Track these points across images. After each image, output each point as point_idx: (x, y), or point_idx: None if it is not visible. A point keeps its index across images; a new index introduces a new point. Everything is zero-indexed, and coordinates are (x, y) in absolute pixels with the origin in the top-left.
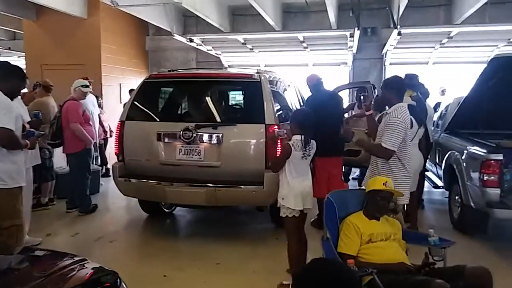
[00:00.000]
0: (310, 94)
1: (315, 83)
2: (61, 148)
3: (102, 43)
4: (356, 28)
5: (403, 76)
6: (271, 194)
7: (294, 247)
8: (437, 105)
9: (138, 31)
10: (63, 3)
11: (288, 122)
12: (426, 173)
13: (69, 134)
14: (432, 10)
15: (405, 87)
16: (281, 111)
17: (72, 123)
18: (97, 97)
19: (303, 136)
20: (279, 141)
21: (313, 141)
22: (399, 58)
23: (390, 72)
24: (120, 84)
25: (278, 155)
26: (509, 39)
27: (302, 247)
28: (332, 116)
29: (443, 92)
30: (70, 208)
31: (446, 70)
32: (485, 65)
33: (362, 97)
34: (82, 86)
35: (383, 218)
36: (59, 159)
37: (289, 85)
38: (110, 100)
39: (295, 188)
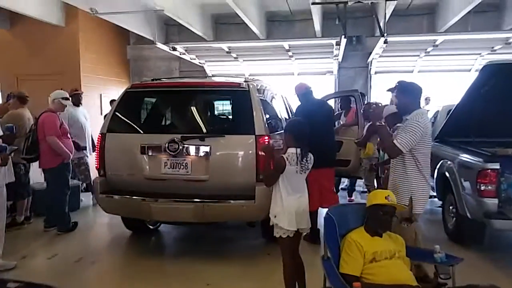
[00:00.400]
0: (299, 103)
1: (304, 92)
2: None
3: (81, 52)
4: (343, 36)
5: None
6: (263, 208)
7: (290, 269)
8: None
9: (119, 39)
10: (39, 11)
11: (277, 132)
12: None
13: (45, 148)
14: (416, 19)
15: (421, 93)
16: (270, 121)
17: (48, 136)
18: None
19: (299, 149)
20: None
21: (310, 154)
22: (385, 66)
23: (375, 80)
24: (100, 95)
25: (271, 168)
26: (493, 47)
27: (299, 269)
28: (323, 125)
29: (427, 101)
30: (48, 227)
31: (431, 78)
32: (470, 73)
33: (371, 109)
34: (63, 98)
35: (386, 234)
36: (37, 174)
37: (276, 94)
38: (91, 112)
39: (289, 206)
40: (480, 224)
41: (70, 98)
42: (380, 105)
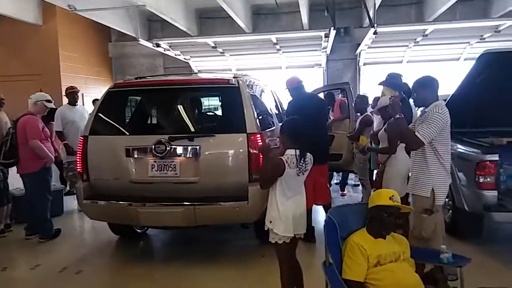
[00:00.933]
0: (290, 98)
1: (296, 86)
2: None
3: (61, 51)
4: (332, 28)
5: (387, 76)
6: (257, 209)
7: (287, 274)
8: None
9: (100, 37)
10: (14, 9)
11: (269, 129)
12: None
13: (27, 152)
14: (404, 9)
15: (439, 85)
16: (262, 118)
17: (31, 139)
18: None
19: (297, 151)
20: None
21: (309, 155)
22: (373, 58)
23: (364, 72)
24: (82, 94)
25: (268, 171)
26: (482, 36)
27: (296, 275)
28: (316, 120)
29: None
30: (30, 235)
31: (420, 68)
32: (459, 62)
33: (390, 101)
34: (46, 101)
35: (389, 235)
36: (17, 180)
37: (265, 89)
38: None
39: (286, 211)
40: (478, 217)
41: (66, 97)
42: (394, 97)
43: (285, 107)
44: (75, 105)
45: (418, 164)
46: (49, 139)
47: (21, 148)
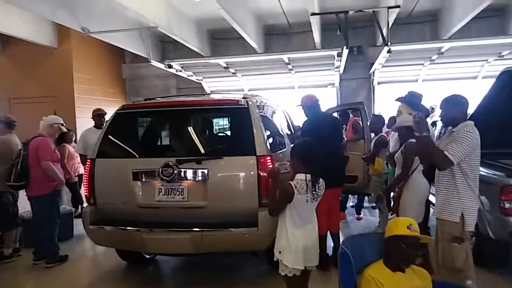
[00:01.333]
0: (305, 117)
1: (311, 104)
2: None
3: (75, 72)
4: (345, 47)
5: (407, 93)
6: (267, 236)
7: None
8: (434, 124)
9: (114, 58)
10: (31, 33)
11: (280, 151)
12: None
13: (39, 174)
14: (418, 27)
15: (468, 105)
16: (272, 139)
17: (43, 161)
18: (69, 131)
19: (309, 175)
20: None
21: (322, 180)
22: (388, 76)
23: (379, 91)
24: None
25: (276, 197)
26: (500, 53)
27: None
28: (333, 142)
29: (433, 111)
30: (37, 260)
31: (436, 87)
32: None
33: (416, 118)
34: (62, 124)
35: (409, 268)
36: (27, 202)
37: (277, 109)
38: None
39: (296, 242)
40: (504, 245)
41: (93, 119)
42: (419, 115)
43: (297, 125)
44: (100, 128)
45: (446, 187)
46: (59, 161)
47: (32, 170)
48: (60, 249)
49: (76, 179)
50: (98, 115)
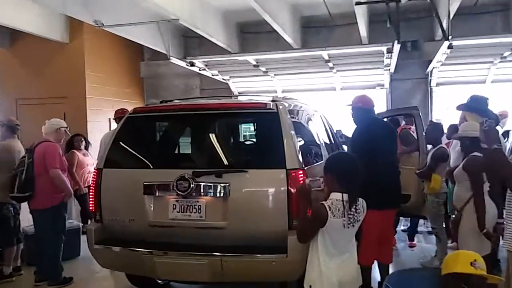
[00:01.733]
0: (355, 124)
1: (369, 109)
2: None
3: (87, 70)
4: (396, 42)
5: (468, 98)
6: (298, 264)
7: None
8: (506, 133)
9: (131, 55)
10: (41, 27)
11: (316, 164)
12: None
13: (46, 184)
14: (486, 18)
15: None
16: (306, 150)
17: (51, 169)
18: (79, 135)
19: (346, 195)
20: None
21: (362, 200)
22: (449, 77)
23: (438, 94)
24: (109, 119)
25: (306, 219)
26: None
27: None
28: (389, 155)
29: (503, 117)
30: (39, 281)
31: (507, 89)
32: None
33: (485, 127)
34: (66, 127)
35: None
36: (28, 216)
37: (314, 115)
38: (98, 139)
39: (330, 274)
40: None
41: (115, 121)
42: (489, 122)
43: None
44: None
45: None
46: (66, 170)
47: (38, 180)
48: (64, 270)
49: (86, 190)
50: (121, 118)
